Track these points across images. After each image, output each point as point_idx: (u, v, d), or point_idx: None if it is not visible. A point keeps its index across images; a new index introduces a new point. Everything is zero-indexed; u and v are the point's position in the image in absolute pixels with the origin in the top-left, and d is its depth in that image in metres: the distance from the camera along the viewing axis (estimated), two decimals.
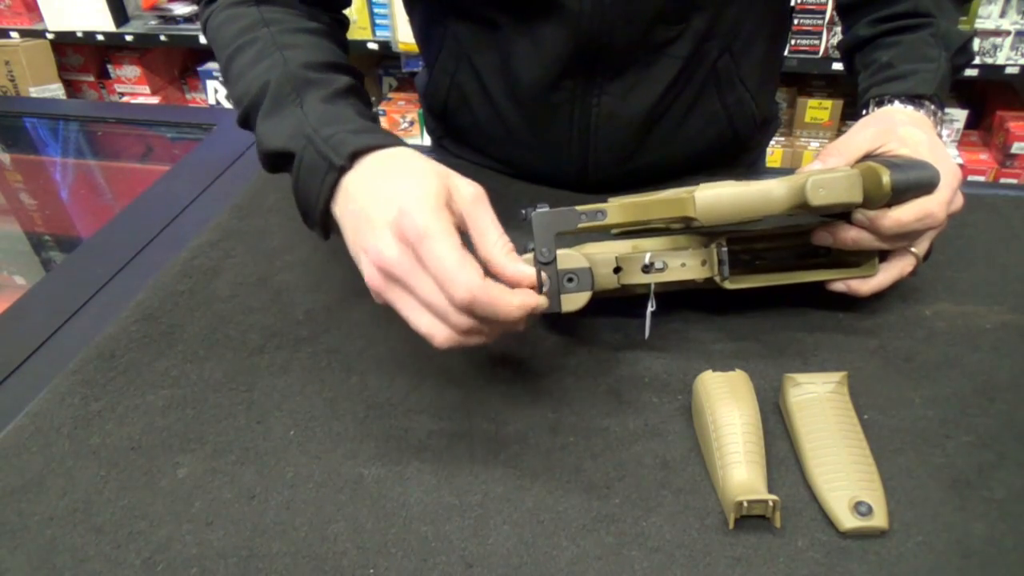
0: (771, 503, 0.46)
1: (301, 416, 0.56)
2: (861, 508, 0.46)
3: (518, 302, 0.45)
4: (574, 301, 0.53)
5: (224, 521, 0.48)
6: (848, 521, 0.46)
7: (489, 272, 0.46)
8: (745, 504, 0.45)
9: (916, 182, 0.54)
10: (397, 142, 0.52)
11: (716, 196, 0.52)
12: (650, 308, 0.57)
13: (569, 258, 0.52)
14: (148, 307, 0.66)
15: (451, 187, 0.48)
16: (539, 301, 0.47)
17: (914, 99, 0.64)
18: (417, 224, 0.44)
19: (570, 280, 0.52)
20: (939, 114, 0.65)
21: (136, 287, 0.70)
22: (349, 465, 0.52)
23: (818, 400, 0.52)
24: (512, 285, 0.46)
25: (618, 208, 0.53)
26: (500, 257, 0.46)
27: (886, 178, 0.52)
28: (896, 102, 0.64)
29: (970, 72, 1.98)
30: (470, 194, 0.48)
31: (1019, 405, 0.54)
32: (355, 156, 0.50)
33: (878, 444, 0.51)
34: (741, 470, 0.47)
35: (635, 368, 0.58)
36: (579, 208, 0.51)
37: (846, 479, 0.48)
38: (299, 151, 0.53)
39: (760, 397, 0.53)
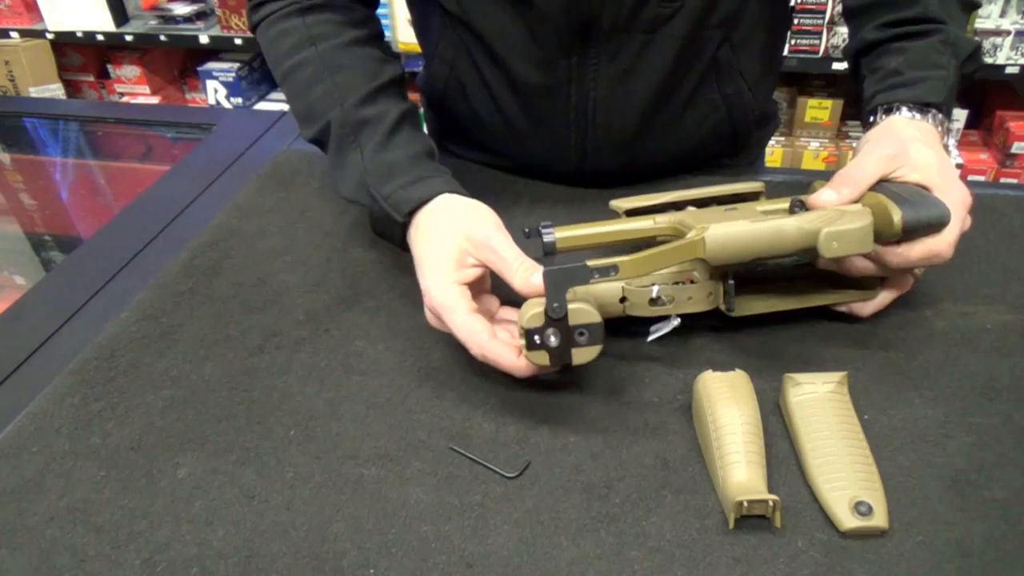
0: (771, 503, 0.46)
1: (301, 416, 0.56)
2: (861, 508, 0.46)
3: (522, 365, 0.53)
4: (585, 355, 0.52)
5: (224, 521, 0.48)
6: (848, 521, 0.46)
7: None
8: (745, 504, 0.45)
9: (927, 222, 0.54)
10: (443, 187, 0.61)
11: (726, 238, 0.52)
12: (674, 323, 0.57)
13: (581, 312, 0.51)
14: (148, 307, 0.66)
15: (465, 245, 0.56)
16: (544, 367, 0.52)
17: (922, 107, 0.63)
18: (435, 301, 0.55)
19: (581, 335, 0.51)
20: (946, 124, 0.64)
21: (136, 287, 0.70)
22: (349, 465, 0.52)
23: (818, 400, 0.52)
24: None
25: (630, 262, 0.53)
26: (523, 286, 0.53)
27: (897, 218, 0.53)
28: (904, 109, 0.63)
29: None
30: (481, 241, 0.56)
31: (1019, 405, 0.54)
32: (412, 212, 0.61)
33: (878, 444, 0.51)
34: (741, 470, 0.47)
35: (635, 368, 0.58)
36: (591, 264, 0.51)
37: (846, 479, 0.48)
38: (369, 204, 0.64)
39: (760, 397, 0.53)
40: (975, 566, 0.44)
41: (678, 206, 0.63)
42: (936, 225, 0.54)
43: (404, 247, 0.63)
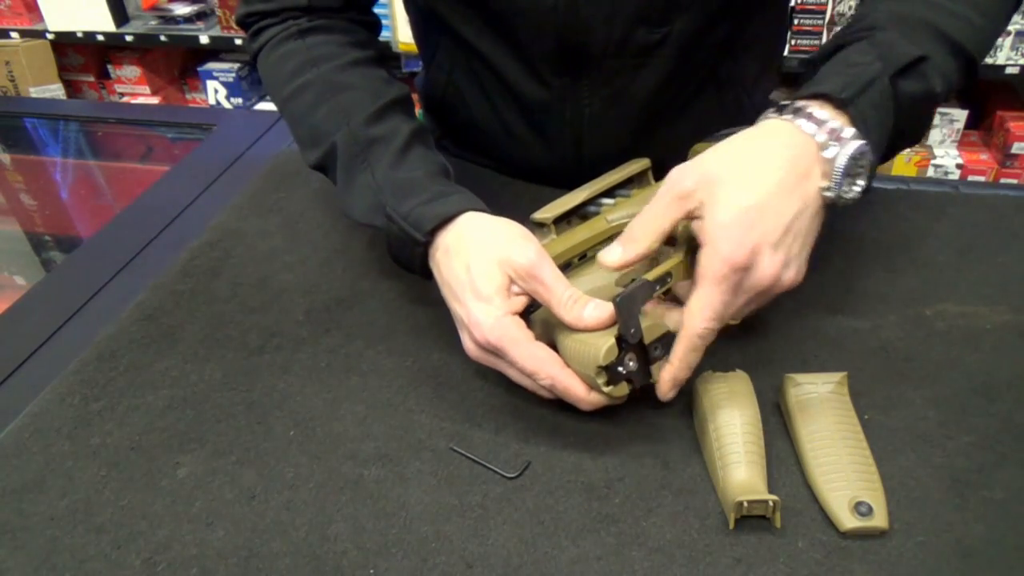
0: (771, 503, 0.46)
1: (301, 416, 0.56)
2: (861, 508, 0.46)
3: (593, 399, 0.51)
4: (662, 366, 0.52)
5: (224, 521, 0.48)
6: (848, 521, 0.46)
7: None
8: (745, 504, 0.45)
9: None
10: (467, 203, 0.57)
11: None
12: None
13: (654, 328, 0.50)
14: (148, 307, 0.66)
15: (509, 271, 0.52)
16: (606, 401, 0.51)
17: (820, 98, 0.53)
18: (491, 336, 0.51)
19: (656, 348, 0.51)
20: (843, 130, 0.51)
21: (136, 287, 0.70)
22: (349, 465, 0.52)
23: (818, 400, 0.52)
24: (594, 329, 0.50)
25: (676, 266, 0.52)
26: (572, 315, 0.50)
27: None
28: (781, 112, 0.54)
29: None
30: (525, 269, 0.52)
31: (1019, 405, 0.54)
32: (434, 231, 0.56)
33: (878, 444, 0.51)
34: (741, 470, 0.47)
35: None
36: (649, 278, 0.50)
37: (846, 479, 0.48)
38: (384, 226, 0.59)
39: (760, 397, 0.53)
40: (975, 566, 0.44)
41: (592, 200, 0.66)
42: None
43: (424, 273, 0.59)
